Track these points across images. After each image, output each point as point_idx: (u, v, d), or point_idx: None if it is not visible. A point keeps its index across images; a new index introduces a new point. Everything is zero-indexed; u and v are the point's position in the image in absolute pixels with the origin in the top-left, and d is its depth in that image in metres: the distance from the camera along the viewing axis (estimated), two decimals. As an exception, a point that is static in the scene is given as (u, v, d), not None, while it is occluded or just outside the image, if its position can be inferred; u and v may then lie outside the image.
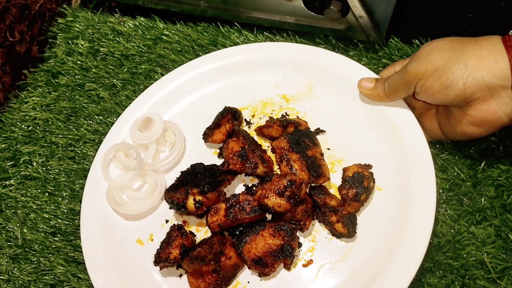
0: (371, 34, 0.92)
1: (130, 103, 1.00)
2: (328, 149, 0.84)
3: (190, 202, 0.77)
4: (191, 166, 0.84)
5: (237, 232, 0.78)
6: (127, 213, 0.84)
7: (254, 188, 0.78)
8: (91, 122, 1.02)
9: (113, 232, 0.84)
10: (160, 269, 0.78)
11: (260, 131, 0.86)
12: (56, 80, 1.10)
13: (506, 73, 0.64)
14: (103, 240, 0.82)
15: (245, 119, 0.91)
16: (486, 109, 0.67)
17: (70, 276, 0.84)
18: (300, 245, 0.76)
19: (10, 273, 0.86)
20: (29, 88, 1.10)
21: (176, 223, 0.80)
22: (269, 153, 0.85)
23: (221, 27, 1.08)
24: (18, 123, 1.04)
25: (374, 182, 0.76)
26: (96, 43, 1.13)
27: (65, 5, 1.19)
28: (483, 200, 0.77)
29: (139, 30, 1.13)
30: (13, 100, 1.09)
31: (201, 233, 0.81)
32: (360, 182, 0.74)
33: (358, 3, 0.84)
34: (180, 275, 0.78)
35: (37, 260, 0.87)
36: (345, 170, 0.77)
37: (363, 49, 0.96)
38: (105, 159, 0.88)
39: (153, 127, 0.90)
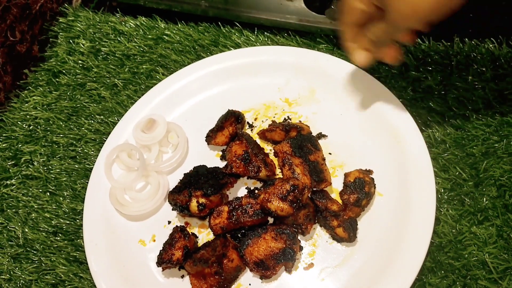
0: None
1: (131, 102, 1.01)
2: (330, 153, 0.85)
3: (194, 205, 0.78)
4: (194, 168, 0.85)
5: (240, 235, 0.79)
6: (130, 213, 0.85)
7: (256, 191, 0.79)
8: (92, 121, 1.02)
9: (116, 233, 0.84)
10: (163, 270, 0.79)
11: (263, 134, 0.87)
12: (57, 79, 1.10)
13: None
14: (106, 240, 0.83)
15: (248, 122, 0.92)
16: None
17: (71, 275, 0.84)
18: (301, 248, 0.77)
19: (12, 272, 0.86)
20: (30, 88, 1.10)
21: (178, 225, 0.82)
22: (271, 156, 0.86)
23: (222, 27, 1.09)
24: (19, 122, 1.04)
25: (375, 188, 0.78)
26: (97, 43, 1.13)
27: (66, 5, 1.19)
28: (485, 200, 0.77)
29: (140, 30, 1.13)
30: (14, 99, 1.09)
31: (203, 235, 0.82)
32: (361, 187, 0.75)
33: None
34: (182, 276, 0.79)
35: (38, 259, 0.87)
36: (346, 175, 0.79)
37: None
38: (108, 160, 0.88)
39: (156, 128, 0.91)
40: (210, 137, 0.89)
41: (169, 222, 0.84)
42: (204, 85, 0.97)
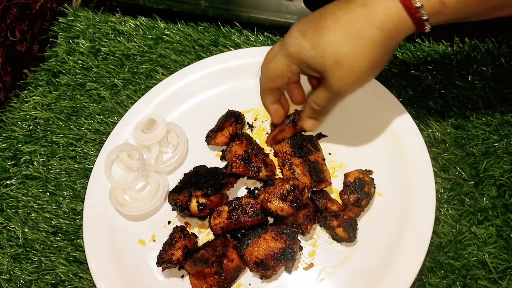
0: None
1: (131, 102, 1.00)
2: (330, 154, 0.85)
3: (194, 205, 0.78)
4: (194, 168, 0.85)
5: (240, 235, 0.79)
6: (130, 213, 0.84)
7: (256, 191, 0.80)
8: (92, 121, 1.02)
9: (116, 232, 0.84)
10: (163, 270, 0.79)
11: (274, 140, 0.86)
12: (57, 79, 1.10)
13: None
14: (106, 240, 0.83)
15: (248, 123, 0.92)
16: None
17: (71, 275, 0.84)
18: (301, 248, 0.77)
19: (11, 272, 0.86)
20: (30, 88, 1.10)
21: (178, 225, 0.82)
22: (271, 156, 0.86)
23: (221, 27, 1.09)
24: (19, 122, 1.04)
25: (374, 188, 0.78)
26: (97, 43, 1.13)
27: (65, 5, 1.19)
28: (484, 200, 0.77)
29: (140, 30, 1.13)
30: (14, 99, 1.08)
31: (203, 235, 0.82)
32: (361, 188, 0.75)
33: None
34: (182, 276, 0.79)
35: (38, 259, 0.87)
36: (346, 175, 0.79)
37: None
38: (108, 160, 0.88)
39: (156, 128, 0.91)
40: (210, 137, 0.89)
41: (169, 222, 0.84)
42: (204, 85, 0.97)
